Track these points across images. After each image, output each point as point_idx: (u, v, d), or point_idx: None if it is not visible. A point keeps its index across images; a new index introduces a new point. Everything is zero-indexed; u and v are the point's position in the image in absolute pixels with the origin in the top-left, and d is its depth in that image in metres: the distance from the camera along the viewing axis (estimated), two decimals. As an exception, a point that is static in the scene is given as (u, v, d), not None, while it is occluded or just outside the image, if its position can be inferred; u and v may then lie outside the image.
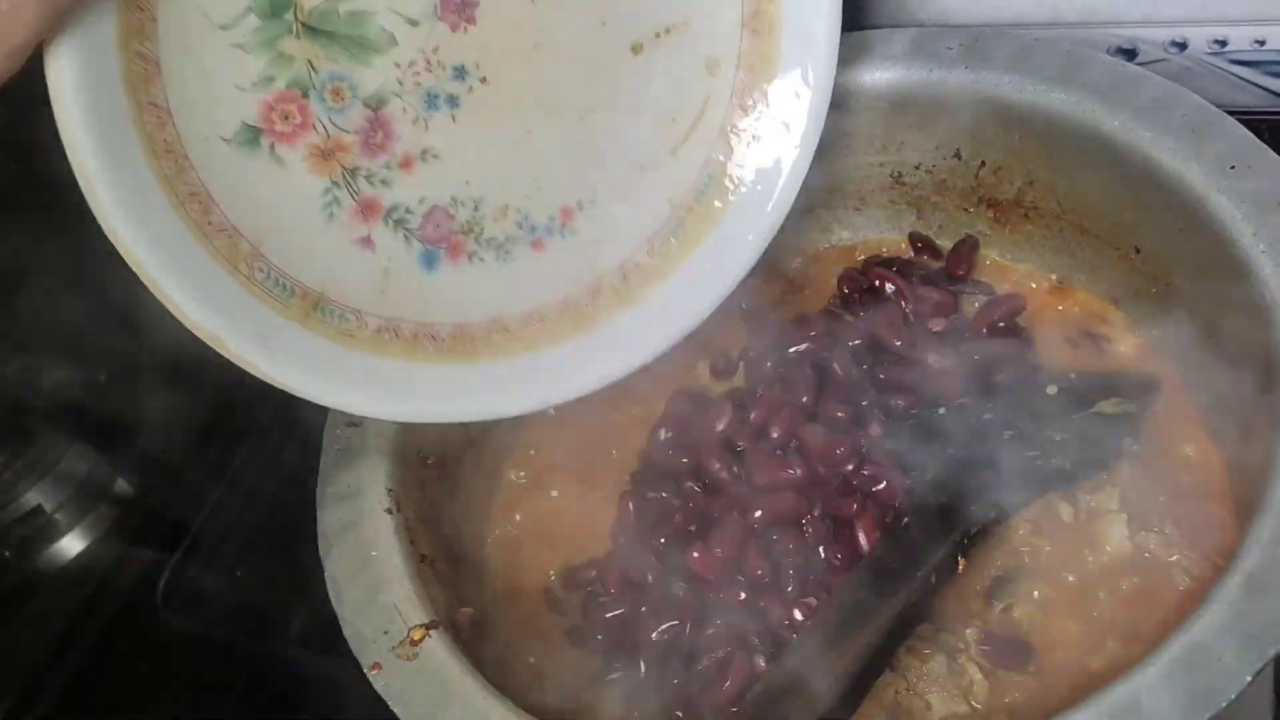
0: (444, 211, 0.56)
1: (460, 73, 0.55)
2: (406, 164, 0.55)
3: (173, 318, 0.50)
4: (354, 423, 0.61)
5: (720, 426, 0.65)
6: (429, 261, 0.56)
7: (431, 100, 0.54)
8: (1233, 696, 0.40)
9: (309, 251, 0.53)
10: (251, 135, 0.51)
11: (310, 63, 0.51)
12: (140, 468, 0.97)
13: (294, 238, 0.52)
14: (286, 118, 0.51)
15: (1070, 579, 0.58)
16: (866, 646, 0.47)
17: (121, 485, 0.98)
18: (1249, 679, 0.40)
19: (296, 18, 0.50)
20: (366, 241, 0.55)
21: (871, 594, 0.50)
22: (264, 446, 0.98)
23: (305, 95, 0.51)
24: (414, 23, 0.53)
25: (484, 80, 0.55)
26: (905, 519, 0.56)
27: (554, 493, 0.70)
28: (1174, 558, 0.57)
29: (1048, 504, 0.60)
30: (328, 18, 0.51)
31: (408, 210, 0.55)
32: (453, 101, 0.55)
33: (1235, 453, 0.57)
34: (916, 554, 0.53)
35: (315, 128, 0.52)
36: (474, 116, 0.56)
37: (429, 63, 0.54)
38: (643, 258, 0.61)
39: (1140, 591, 0.56)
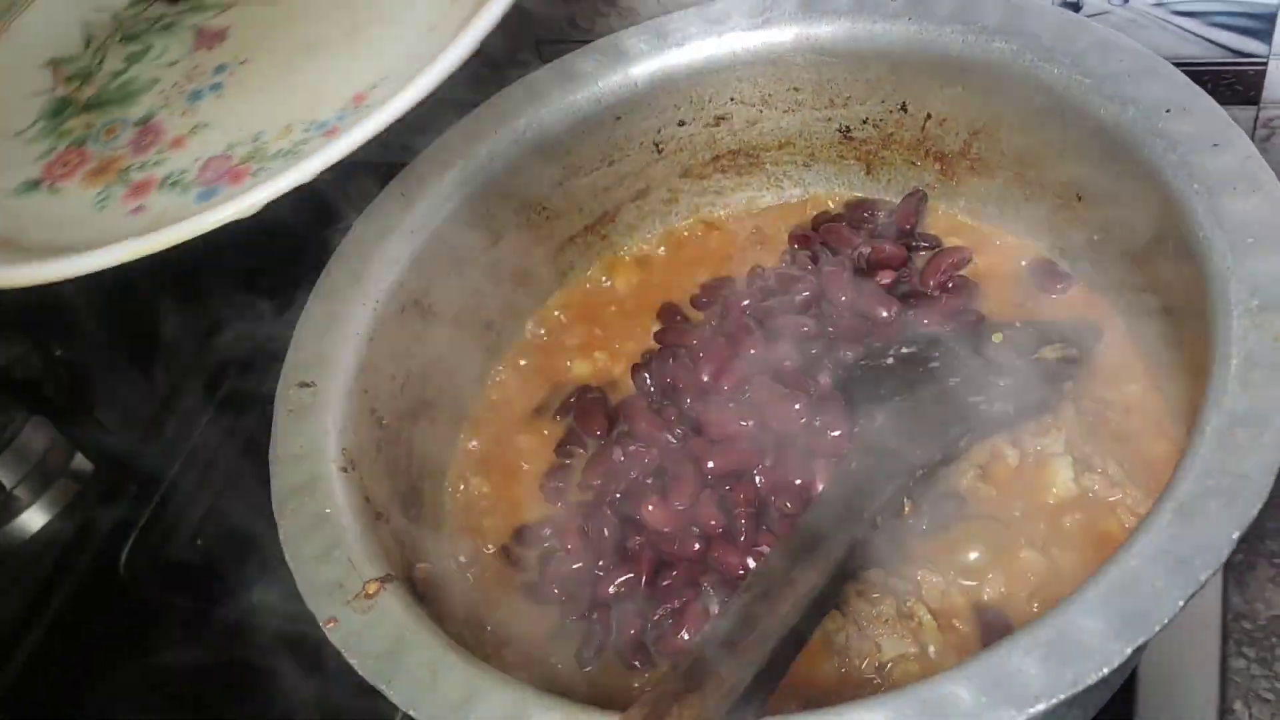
0: (222, 158, 0.59)
1: (220, 69, 0.61)
2: (177, 143, 0.59)
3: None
4: (307, 383, 0.61)
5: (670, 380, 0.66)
6: (207, 196, 0.58)
7: (196, 95, 0.60)
8: (1165, 621, 0.41)
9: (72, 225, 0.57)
10: (31, 186, 0.58)
11: (87, 124, 0.59)
12: (100, 441, 0.97)
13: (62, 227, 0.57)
14: (65, 164, 0.56)
15: (1017, 520, 0.59)
16: (813, 588, 0.48)
17: (81, 459, 0.97)
18: (1180, 604, 0.41)
19: (76, 107, 0.54)
20: (139, 210, 0.58)
21: (819, 535, 0.51)
22: (224, 416, 0.97)
23: (82, 145, 0.58)
24: (174, 63, 0.61)
25: (243, 62, 0.61)
26: (854, 463, 0.57)
27: (509, 452, 0.70)
28: (1118, 497, 0.58)
29: (994, 448, 0.61)
30: (101, 94, 0.56)
31: (182, 172, 0.59)
32: (216, 88, 0.60)
33: (1175, 392, 0.58)
34: (863, 497, 0.54)
35: (90, 160, 0.58)
36: (238, 86, 0.61)
37: (190, 77, 0.61)
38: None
39: (1085, 531, 0.58)
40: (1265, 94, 0.75)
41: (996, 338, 0.63)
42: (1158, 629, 0.41)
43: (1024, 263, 0.69)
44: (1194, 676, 0.66)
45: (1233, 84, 0.74)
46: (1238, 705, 0.65)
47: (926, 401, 0.60)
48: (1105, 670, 0.41)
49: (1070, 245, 0.66)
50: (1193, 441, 0.45)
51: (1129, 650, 0.41)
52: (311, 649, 0.79)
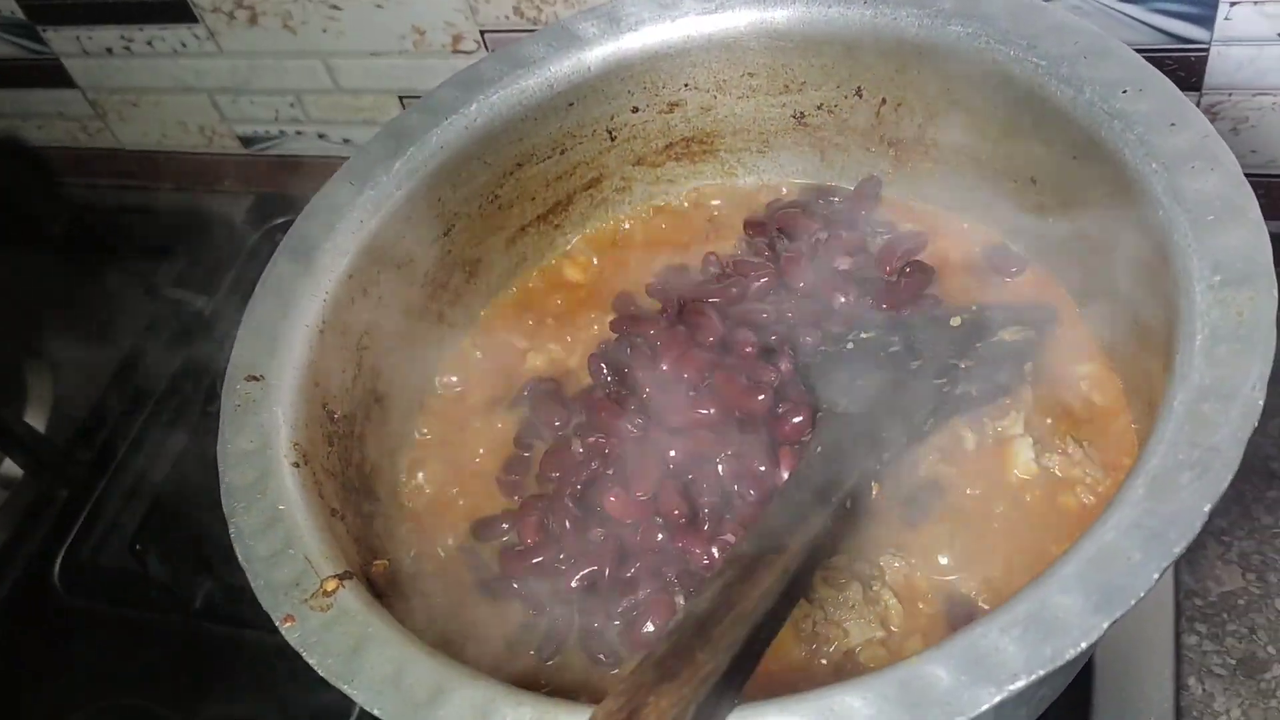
0: None
1: None
2: None
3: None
4: (255, 377, 0.59)
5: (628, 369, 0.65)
6: None
7: None
8: (1141, 594, 0.41)
9: None
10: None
11: None
12: (29, 446, 0.94)
13: None
14: None
15: (979, 503, 0.59)
16: (785, 571, 0.47)
17: (9, 465, 0.94)
18: (1156, 577, 0.41)
19: None
20: None
21: (790, 520, 0.51)
22: (158, 420, 0.95)
23: None
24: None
25: None
26: (819, 448, 0.56)
27: (465, 446, 0.69)
28: (1077, 474, 0.58)
29: (955, 433, 0.61)
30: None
31: None
32: None
33: (1132, 370, 0.59)
34: (832, 481, 0.54)
35: None
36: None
37: None
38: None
39: (1047, 510, 0.58)
40: (1207, 80, 0.76)
41: (955, 321, 0.64)
42: (1134, 602, 0.41)
43: (979, 247, 0.69)
44: (1149, 654, 0.67)
45: (1175, 70, 0.75)
46: (1191, 681, 0.66)
47: (890, 386, 0.60)
48: (1084, 645, 0.40)
49: (1025, 229, 0.66)
50: (1161, 417, 0.45)
51: (1106, 624, 0.41)
52: (257, 656, 0.77)
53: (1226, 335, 0.46)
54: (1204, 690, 0.66)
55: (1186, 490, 0.43)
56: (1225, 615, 0.68)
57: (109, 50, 1.06)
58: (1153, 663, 0.66)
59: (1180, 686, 0.66)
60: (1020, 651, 0.41)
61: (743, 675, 0.45)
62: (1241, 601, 0.69)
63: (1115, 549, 0.42)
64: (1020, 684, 0.40)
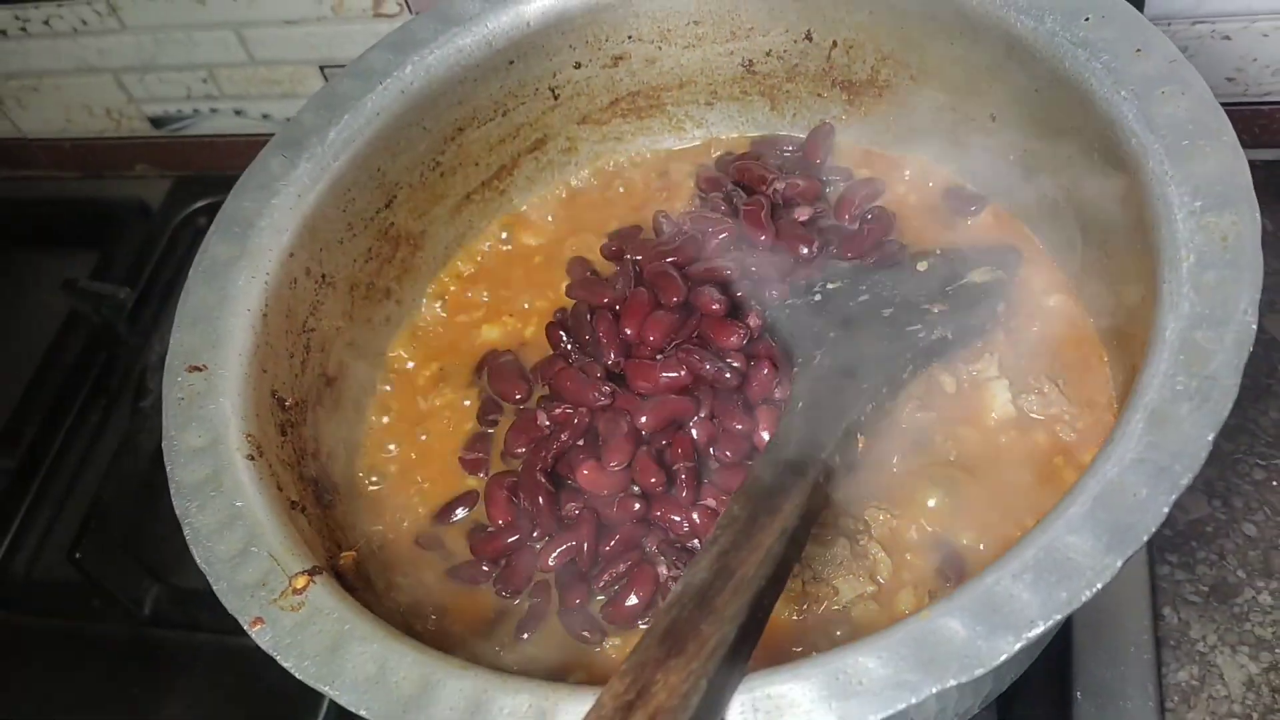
0: None
1: None
2: None
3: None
4: (197, 367, 0.55)
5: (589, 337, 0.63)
6: None
7: None
8: (1153, 529, 0.40)
9: None
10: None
11: None
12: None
13: None
14: None
15: (960, 448, 0.58)
16: (783, 531, 0.46)
17: (-71, 478, 0.89)
18: (1165, 510, 0.40)
19: None
20: None
21: (780, 479, 0.49)
22: (86, 420, 0.90)
23: None
24: None
25: None
26: (800, 404, 0.55)
27: (422, 425, 0.66)
28: (1055, 413, 0.57)
29: (930, 378, 0.60)
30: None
31: None
32: None
33: (1103, 305, 0.58)
34: (818, 435, 0.52)
35: None
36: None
37: None
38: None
39: (1029, 450, 0.57)
40: (1146, 9, 0.75)
41: (921, 265, 0.62)
42: (1146, 538, 0.40)
43: (938, 189, 0.68)
44: (1124, 587, 0.67)
45: None
46: (1167, 610, 0.67)
47: (863, 335, 0.58)
48: (1099, 585, 0.39)
49: (983, 168, 0.65)
50: (1154, 347, 0.44)
51: (1119, 563, 0.40)
52: (216, 661, 0.74)
53: (1214, 261, 0.45)
54: (1180, 619, 0.66)
55: (1188, 421, 0.42)
56: (1194, 543, 0.69)
57: (3, 33, 1.00)
58: (1128, 595, 0.67)
59: (1157, 616, 0.66)
60: (1035, 597, 0.40)
61: (749, 644, 0.43)
62: (1209, 529, 0.69)
63: (1120, 485, 0.41)
64: (1039, 630, 0.39)
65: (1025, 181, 0.63)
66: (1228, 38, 0.77)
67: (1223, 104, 0.63)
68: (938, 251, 0.63)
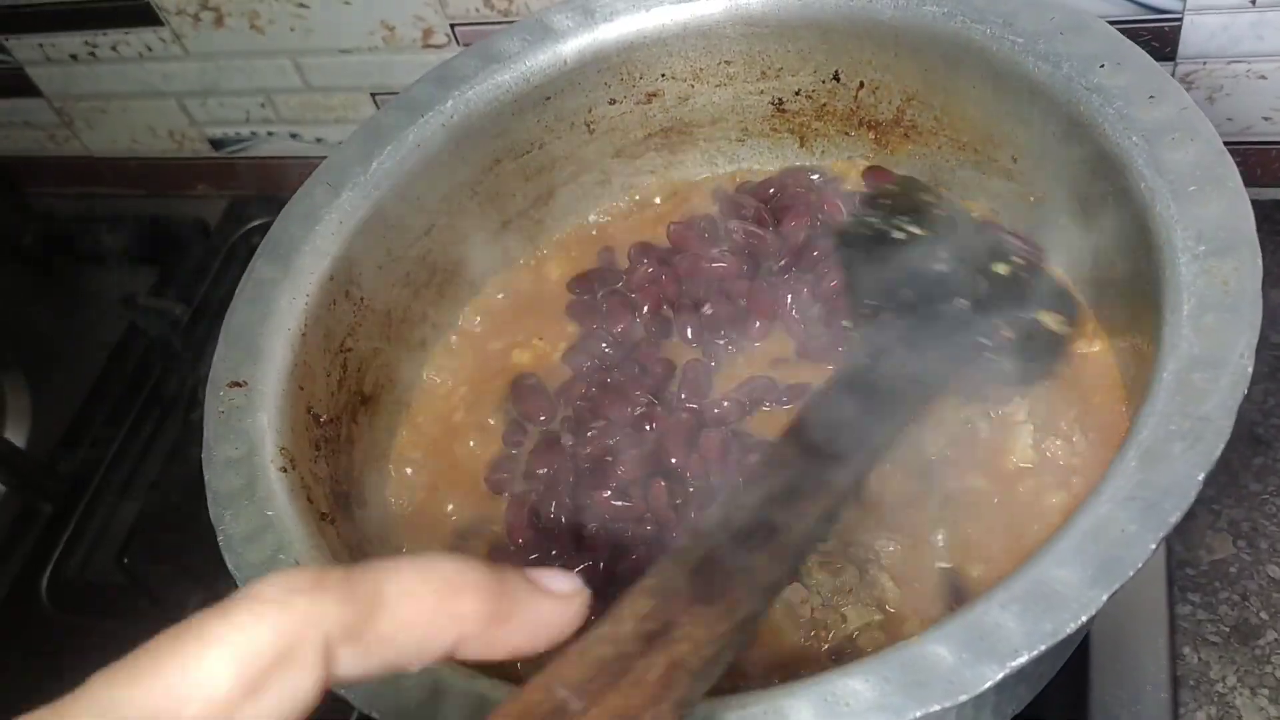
0: None
1: None
2: None
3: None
4: (238, 383, 0.58)
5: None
6: None
7: None
8: (1139, 565, 0.41)
9: None
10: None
11: None
12: (11, 461, 0.93)
13: None
14: None
15: (976, 484, 0.58)
16: (824, 514, 0.43)
17: (-8, 481, 0.93)
18: (1152, 547, 0.41)
19: None
20: None
21: (833, 441, 0.45)
22: (141, 430, 0.94)
23: None
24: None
25: None
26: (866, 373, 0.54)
27: (452, 446, 0.68)
28: (1077, 463, 0.57)
29: (956, 410, 0.60)
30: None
31: None
32: None
33: (1125, 350, 0.59)
34: (873, 418, 0.51)
35: None
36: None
37: None
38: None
39: (1045, 493, 0.57)
40: (1181, 50, 0.76)
41: (1001, 269, 0.59)
42: (1131, 573, 0.41)
43: (960, 226, 0.69)
44: (1143, 625, 0.67)
45: (1149, 41, 0.75)
46: (1186, 650, 0.67)
47: (930, 315, 0.56)
48: (1084, 618, 0.40)
49: (1007, 207, 0.66)
50: (1151, 388, 0.45)
51: (1105, 597, 0.41)
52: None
53: (1213, 304, 0.46)
54: (1199, 659, 0.66)
55: (1179, 460, 0.43)
56: (1217, 583, 0.69)
57: (73, 57, 1.05)
58: (1148, 634, 0.67)
59: (1175, 656, 0.66)
60: (1020, 627, 0.41)
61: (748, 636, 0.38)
62: (1233, 569, 0.69)
63: (1110, 521, 0.42)
64: (1022, 660, 0.40)
65: (1047, 222, 0.64)
66: (1263, 77, 0.78)
67: (1259, 143, 0.63)
68: (1018, 259, 0.61)
